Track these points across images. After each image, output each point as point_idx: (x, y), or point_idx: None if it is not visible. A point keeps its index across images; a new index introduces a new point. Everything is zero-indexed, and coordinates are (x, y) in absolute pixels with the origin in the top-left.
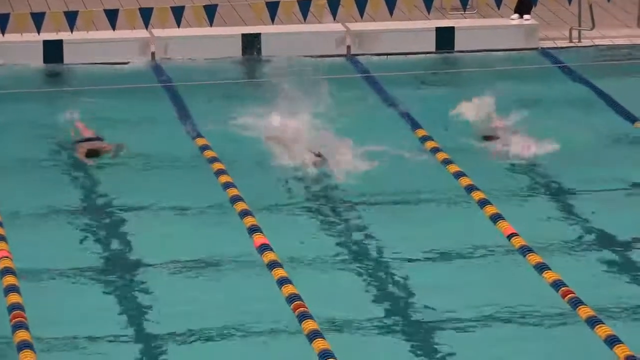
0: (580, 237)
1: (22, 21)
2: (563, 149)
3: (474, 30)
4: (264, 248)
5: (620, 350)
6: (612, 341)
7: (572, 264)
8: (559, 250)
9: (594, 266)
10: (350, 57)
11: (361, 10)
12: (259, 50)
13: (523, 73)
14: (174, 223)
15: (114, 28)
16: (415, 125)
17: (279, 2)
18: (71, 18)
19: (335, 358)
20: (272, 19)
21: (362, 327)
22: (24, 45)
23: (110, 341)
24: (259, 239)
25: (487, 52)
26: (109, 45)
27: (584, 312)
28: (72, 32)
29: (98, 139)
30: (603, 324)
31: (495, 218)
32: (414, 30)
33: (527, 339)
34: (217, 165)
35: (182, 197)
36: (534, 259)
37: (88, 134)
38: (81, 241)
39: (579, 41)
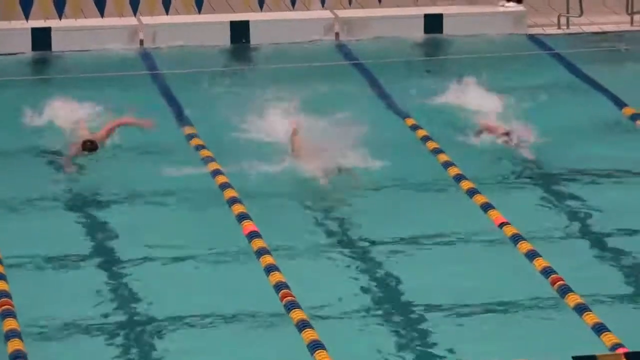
0: (570, 225)
1: (10, 8)
2: (551, 135)
3: (463, 16)
4: (252, 235)
5: (608, 339)
6: (599, 329)
7: (561, 251)
8: (548, 238)
9: (583, 254)
10: (339, 44)
11: None
12: (248, 38)
13: (511, 59)
14: (161, 211)
15: (102, 15)
16: (403, 113)
17: None
18: (59, 5)
19: (324, 348)
20: (261, 6)
21: (349, 316)
22: (11, 33)
23: (98, 329)
24: (247, 226)
25: (475, 38)
26: (98, 33)
27: (573, 299)
28: (60, 19)
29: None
30: (591, 311)
31: (486, 207)
32: (402, 17)
33: (515, 325)
34: (204, 153)
35: (170, 184)
36: (525, 246)
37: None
38: (68, 229)
39: (567, 28)
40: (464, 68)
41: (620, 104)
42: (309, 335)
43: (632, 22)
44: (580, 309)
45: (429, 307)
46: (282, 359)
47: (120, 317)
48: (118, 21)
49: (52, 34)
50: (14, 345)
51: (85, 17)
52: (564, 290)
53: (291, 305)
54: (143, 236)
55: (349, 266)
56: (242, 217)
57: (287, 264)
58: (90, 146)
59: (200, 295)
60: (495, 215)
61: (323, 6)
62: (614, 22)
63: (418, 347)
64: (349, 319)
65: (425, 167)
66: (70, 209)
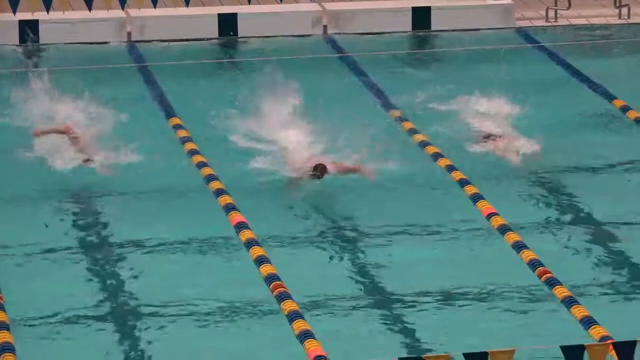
0: (558, 218)
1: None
2: (539, 126)
3: (450, 10)
4: (241, 226)
5: (596, 332)
6: (587, 322)
7: (549, 243)
8: (536, 230)
9: (571, 246)
10: (327, 37)
11: None
12: (236, 31)
13: (500, 52)
14: (151, 203)
15: (90, 9)
16: (390, 106)
17: None
18: None
19: (314, 338)
20: (249, 0)
21: (340, 306)
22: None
23: (86, 320)
24: (235, 217)
25: (464, 32)
26: (85, 26)
27: (560, 292)
28: (47, 12)
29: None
30: (579, 304)
31: (475, 198)
32: (390, 10)
33: (503, 317)
34: (189, 145)
35: (158, 178)
36: (512, 237)
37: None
38: (57, 222)
39: (556, 21)
40: (452, 61)
41: (608, 96)
42: (299, 325)
43: (619, 15)
44: (569, 302)
45: (418, 297)
46: (274, 347)
47: (110, 308)
48: (106, 14)
49: (40, 26)
50: (3, 337)
51: (73, 10)
52: (552, 283)
53: (283, 296)
54: (132, 227)
55: (337, 257)
56: (229, 208)
57: (277, 254)
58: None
59: (189, 286)
60: (484, 206)
61: None
62: (602, 15)
63: (406, 336)
64: (338, 309)
65: (413, 158)
66: (59, 200)
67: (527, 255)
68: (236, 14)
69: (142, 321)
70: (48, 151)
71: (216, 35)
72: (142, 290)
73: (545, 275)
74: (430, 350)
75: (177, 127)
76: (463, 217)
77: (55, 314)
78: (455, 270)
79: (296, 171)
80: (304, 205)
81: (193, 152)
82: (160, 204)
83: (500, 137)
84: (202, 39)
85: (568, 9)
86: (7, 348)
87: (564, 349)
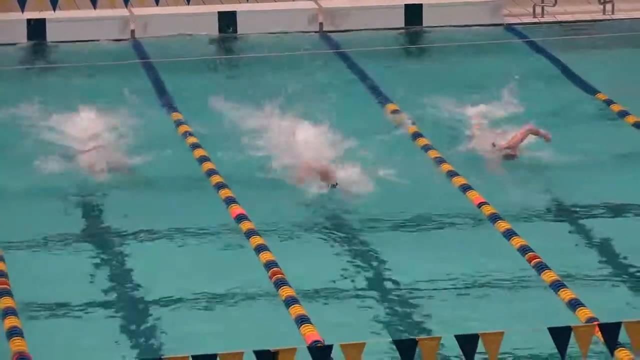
0: (546, 206)
1: (6, 1)
2: (527, 118)
3: (442, 7)
4: (241, 218)
5: (582, 313)
6: (574, 304)
7: (538, 230)
8: (525, 218)
9: (559, 233)
10: (323, 33)
11: None
12: (235, 28)
13: (489, 48)
14: (152, 194)
15: (95, 7)
16: (386, 100)
17: None
18: None
19: (311, 323)
20: None
21: (336, 293)
22: (8, 24)
23: (92, 306)
24: (236, 209)
25: (454, 28)
26: (91, 24)
27: (549, 276)
28: (54, 10)
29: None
30: (566, 287)
31: (465, 188)
32: (383, 8)
33: (494, 301)
34: (191, 140)
35: (160, 170)
36: (503, 225)
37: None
38: (62, 211)
39: (542, 17)
40: (443, 57)
41: (592, 90)
42: (296, 310)
43: (604, 11)
44: (556, 286)
45: (413, 283)
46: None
47: (109, 295)
48: (110, 12)
49: (47, 25)
50: (11, 322)
51: (79, 9)
52: (541, 267)
53: (280, 283)
54: (135, 217)
55: (334, 245)
56: (229, 201)
57: (276, 243)
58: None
59: (189, 274)
60: (474, 196)
61: None
62: (587, 11)
63: (400, 321)
64: (335, 296)
65: (407, 151)
66: (64, 193)
67: (517, 242)
68: (235, 11)
69: (143, 309)
70: (54, 144)
71: (216, 31)
72: (143, 278)
73: (534, 260)
74: (424, 333)
75: (179, 121)
76: (453, 206)
77: (63, 300)
78: (446, 256)
79: (291, 163)
80: (301, 196)
81: (195, 146)
82: (163, 195)
83: (490, 129)
84: (203, 35)
85: (554, 5)
86: (16, 332)
87: (552, 330)
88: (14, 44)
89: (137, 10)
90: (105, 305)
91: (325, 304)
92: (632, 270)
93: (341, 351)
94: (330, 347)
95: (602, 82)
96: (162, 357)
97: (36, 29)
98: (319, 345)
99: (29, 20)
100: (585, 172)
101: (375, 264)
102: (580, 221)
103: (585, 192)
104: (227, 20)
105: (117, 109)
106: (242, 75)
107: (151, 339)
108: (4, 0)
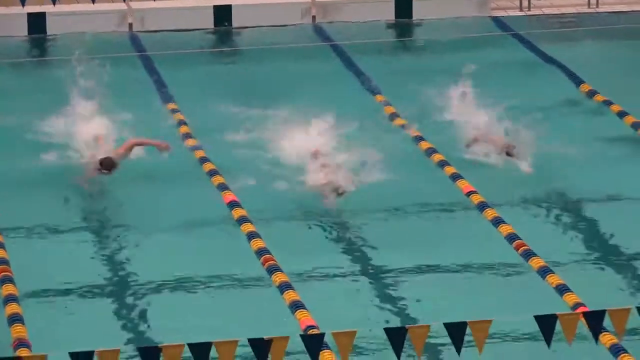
0: (533, 194)
1: None
2: (513, 111)
3: (431, 0)
4: (233, 205)
5: (570, 298)
6: (562, 290)
7: (525, 218)
8: (513, 206)
9: (545, 221)
10: (316, 26)
11: None
12: (230, 21)
13: (477, 41)
14: (148, 183)
15: (93, 2)
16: (376, 90)
17: None
18: None
19: (305, 308)
20: None
21: (329, 278)
22: (9, 18)
23: (91, 294)
24: (228, 196)
25: (443, 21)
26: (89, 17)
27: (536, 262)
28: (54, 4)
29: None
30: (553, 273)
31: (454, 177)
32: (375, 1)
33: (482, 287)
34: (184, 129)
35: (155, 160)
36: (491, 213)
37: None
38: (61, 200)
39: (529, 10)
40: (432, 49)
41: (578, 80)
42: (290, 296)
43: (589, 4)
44: (543, 272)
45: (403, 269)
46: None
47: (114, 282)
48: (108, 6)
49: (47, 18)
50: (12, 308)
51: (78, 3)
52: (528, 255)
53: (273, 269)
54: (130, 206)
55: (326, 234)
56: (222, 188)
57: (269, 233)
58: (107, 163)
59: (184, 262)
60: (464, 185)
61: None
62: (572, 4)
63: (389, 306)
64: (328, 281)
65: (396, 140)
66: (62, 182)
67: (505, 229)
68: (230, 5)
69: (138, 293)
70: (54, 136)
71: (212, 25)
72: (139, 264)
73: (522, 248)
74: (413, 321)
75: (174, 111)
76: (443, 194)
77: (63, 287)
78: (438, 244)
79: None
80: (294, 185)
81: (187, 136)
82: (160, 184)
83: (478, 119)
84: (199, 29)
85: None
86: (17, 319)
87: (538, 318)
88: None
89: (135, 4)
90: (104, 293)
91: (318, 291)
92: (616, 255)
93: (333, 339)
94: (322, 335)
95: (587, 73)
96: (159, 344)
97: (36, 22)
98: (311, 333)
99: (29, 15)
100: (570, 160)
101: (365, 251)
102: (566, 208)
103: (570, 179)
104: (223, 14)
105: (114, 100)
106: (238, 68)
107: (148, 327)
108: None
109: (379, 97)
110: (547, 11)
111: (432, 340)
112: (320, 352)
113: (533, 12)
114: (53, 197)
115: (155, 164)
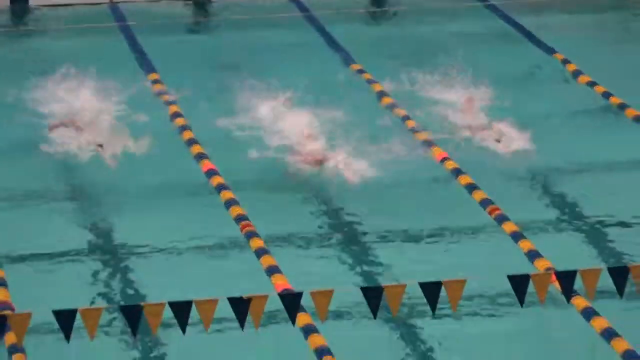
0: (507, 161)
1: None
2: (485, 82)
3: None
4: (210, 174)
5: (541, 264)
6: (532, 255)
7: (499, 184)
8: (487, 173)
9: (518, 186)
10: None
11: None
12: None
13: (450, 11)
14: (130, 156)
15: None
16: (350, 60)
17: None
18: None
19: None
20: None
21: (306, 244)
22: None
23: (73, 257)
24: (206, 164)
25: None
26: None
27: (509, 227)
28: None
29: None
30: (525, 238)
31: (428, 144)
32: None
33: (454, 255)
34: (164, 97)
35: (140, 130)
36: (464, 180)
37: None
38: (41, 168)
39: None
40: (406, 19)
41: (550, 50)
42: (267, 261)
43: None
44: (515, 237)
45: (379, 235)
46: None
47: (100, 247)
48: None
49: None
50: None
51: None
52: (500, 219)
53: (250, 234)
54: (120, 182)
55: (304, 200)
56: (200, 157)
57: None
58: None
59: (165, 226)
60: (438, 152)
61: None
62: None
63: (363, 269)
64: (305, 247)
65: (372, 110)
66: (42, 152)
67: (479, 195)
68: None
69: (124, 265)
70: (34, 107)
71: None
72: (126, 234)
73: (495, 213)
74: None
75: (156, 82)
76: (414, 160)
77: (47, 251)
78: (413, 209)
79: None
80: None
81: (176, 115)
82: (143, 155)
83: (453, 88)
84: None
85: None
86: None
87: (511, 277)
88: None
89: None
90: (86, 256)
91: (294, 254)
92: (587, 221)
93: (311, 298)
94: (300, 294)
95: (559, 43)
96: (141, 303)
97: None
98: (288, 292)
99: None
100: (547, 127)
101: (344, 215)
102: (538, 176)
103: (544, 148)
104: None
105: (95, 72)
106: (218, 39)
107: (131, 288)
108: None
109: (354, 66)
110: None
111: (408, 300)
112: (297, 313)
113: None
114: (31, 164)
115: (137, 136)
